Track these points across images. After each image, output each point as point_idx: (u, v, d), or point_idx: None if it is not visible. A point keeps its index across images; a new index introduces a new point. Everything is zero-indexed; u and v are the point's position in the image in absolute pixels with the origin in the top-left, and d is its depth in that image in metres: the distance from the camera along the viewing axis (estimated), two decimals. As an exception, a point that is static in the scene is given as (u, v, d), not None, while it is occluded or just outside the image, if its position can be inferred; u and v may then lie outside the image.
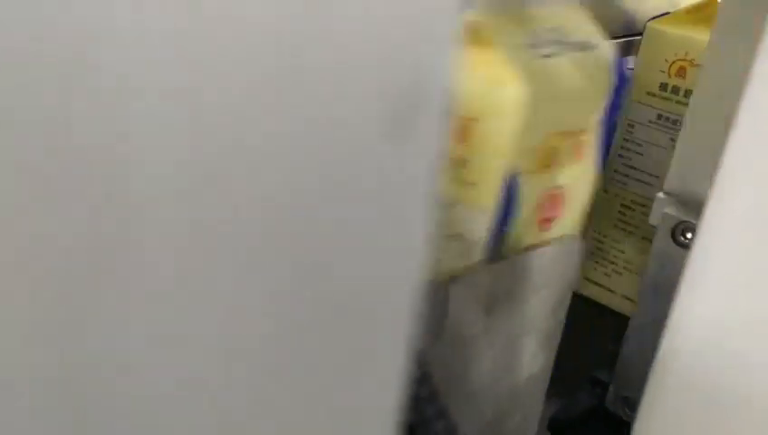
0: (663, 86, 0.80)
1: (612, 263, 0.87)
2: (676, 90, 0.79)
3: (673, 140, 0.79)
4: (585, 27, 0.56)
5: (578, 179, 0.55)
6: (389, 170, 0.09)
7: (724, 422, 0.25)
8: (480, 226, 0.51)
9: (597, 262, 0.86)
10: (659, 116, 0.81)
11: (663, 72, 0.79)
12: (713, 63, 0.56)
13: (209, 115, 0.09)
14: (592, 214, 0.81)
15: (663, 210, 0.69)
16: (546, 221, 0.54)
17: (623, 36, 1.17)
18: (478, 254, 0.51)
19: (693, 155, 0.65)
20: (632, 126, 0.88)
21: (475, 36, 0.51)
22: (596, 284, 0.88)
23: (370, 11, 0.08)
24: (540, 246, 0.53)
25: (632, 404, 0.60)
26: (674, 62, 0.78)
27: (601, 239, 0.86)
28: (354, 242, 0.11)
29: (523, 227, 0.52)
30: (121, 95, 0.09)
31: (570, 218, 0.56)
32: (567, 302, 0.57)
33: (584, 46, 0.54)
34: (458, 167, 0.51)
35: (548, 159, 0.51)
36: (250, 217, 0.09)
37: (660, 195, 0.72)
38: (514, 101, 0.47)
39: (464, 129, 0.50)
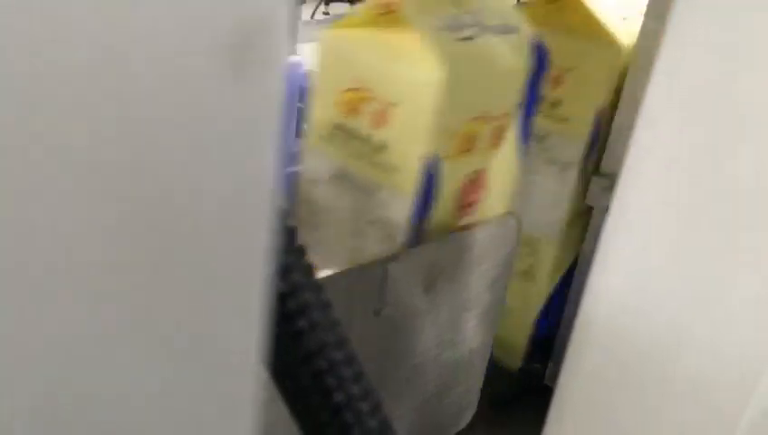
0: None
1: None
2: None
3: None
4: (505, 10, 0.56)
5: (499, 163, 0.56)
6: (230, 103, 0.10)
7: (633, 378, 0.27)
8: (402, 210, 0.51)
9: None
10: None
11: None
12: (642, 55, 0.58)
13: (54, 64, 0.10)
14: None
15: (599, 189, 0.72)
16: (468, 205, 0.55)
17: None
18: (401, 238, 0.51)
19: (626, 139, 0.68)
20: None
21: (396, 18, 0.51)
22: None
23: None
24: (474, 225, 0.55)
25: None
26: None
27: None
28: (198, 176, 0.11)
29: (445, 211, 0.53)
30: None
31: (492, 202, 0.56)
32: (505, 278, 0.59)
33: (504, 30, 0.54)
34: (379, 151, 0.51)
35: (468, 144, 0.52)
36: (99, 154, 0.10)
37: (596, 177, 0.75)
38: (435, 86, 0.48)
39: (384, 113, 0.51)
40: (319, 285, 0.18)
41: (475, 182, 0.54)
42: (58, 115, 0.10)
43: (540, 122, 0.61)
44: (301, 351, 0.18)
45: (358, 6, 0.55)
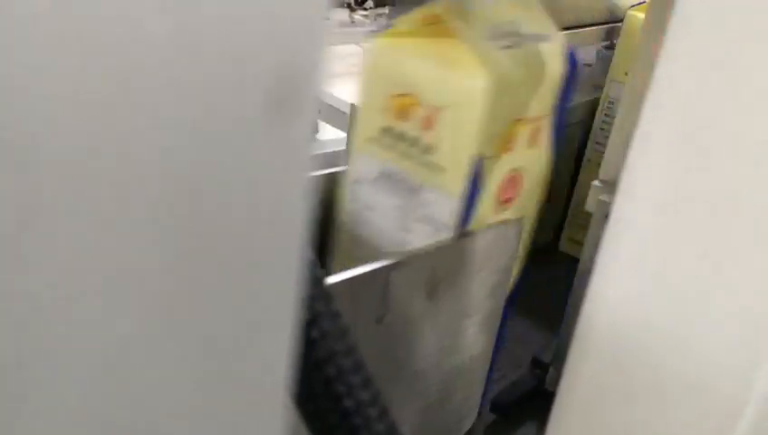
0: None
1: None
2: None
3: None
4: (538, 20, 0.58)
5: (534, 162, 0.59)
6: (271, 149, 0.11)
7: (634, 384, 0.28)
8: (449, 207, 0.54)
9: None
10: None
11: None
12: (641, 62, 0.59)
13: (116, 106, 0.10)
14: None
15: (598, 197, 0.73)
16: (506, 201, 0.58)
17: (604, 23, 1.22)
18: (447, 233, 0.54)
19: (625, 146, 0.68)
20: (612, 103, 1.01)
21: (442, 29, 0.54)
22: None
23: (251, 8, 0.10)
24: (474, 231, 0.55)
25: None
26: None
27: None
28: (239, 213, 0.12)
29: (487, 208, 0.55)
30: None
31: (526, 198, 0.60)
32: (506, 285, 0.59)
33: (538, 38, 0.57)
34: (427, 153, 0.54)
35: (509, 144, 0.55)
36: (149, 186, 0.10)
37: (596, 183, 0.75)
38: (481, 91, 0.50)
39: (432, 117, 0.53)
40: (330, 296, 0.19)
41: (512, 180, 0.57)
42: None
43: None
44: (312, 358, 0.18)
45: (401, 17, 0.58)
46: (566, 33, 1.01)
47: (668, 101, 0.27)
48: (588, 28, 1.19)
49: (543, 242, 1.03)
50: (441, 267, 0.52)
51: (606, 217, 0.72)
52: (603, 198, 0.67)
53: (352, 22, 0.96)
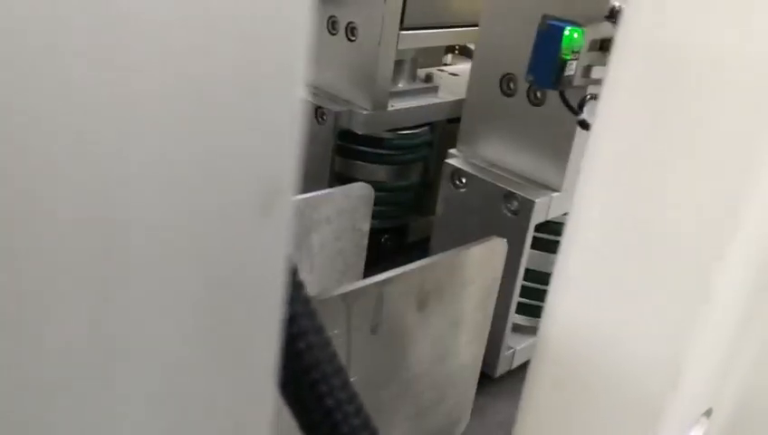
0: None
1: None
2: None
3: None
4: None
5: None
6: (260, 237, 0.14)
7: (590, 395, 0.31)
8: None
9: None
10: None
11: None
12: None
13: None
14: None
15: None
16: None
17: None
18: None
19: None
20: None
21: None
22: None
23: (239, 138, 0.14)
24: (463, 248, 0.59)
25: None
26: None
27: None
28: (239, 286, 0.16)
29: None
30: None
31: None
32: (493, 298, 0.64)
33: None
34: None
35: None
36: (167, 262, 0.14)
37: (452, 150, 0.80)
38: None
39: None
40: (314, 312, 0.23)
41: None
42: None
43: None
44: (300, 366, 0.23)
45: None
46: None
47: (609, 132, 0.31)
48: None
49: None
50: (430, 282, 0.57)
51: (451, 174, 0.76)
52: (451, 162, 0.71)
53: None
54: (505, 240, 0.61)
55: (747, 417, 0.58)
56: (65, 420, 0.15)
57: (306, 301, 0.24)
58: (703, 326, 0.30)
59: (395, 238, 0.98)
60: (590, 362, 0.32)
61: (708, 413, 0.55)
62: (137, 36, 0.13)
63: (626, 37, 0.28)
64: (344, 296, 0.51)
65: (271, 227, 0.15)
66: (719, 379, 0.53)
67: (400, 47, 0.89)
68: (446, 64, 1.13)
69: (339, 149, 0.92)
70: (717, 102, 0.25)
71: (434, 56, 1.09)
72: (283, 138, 0.14)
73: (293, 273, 0.23)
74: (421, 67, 1.01)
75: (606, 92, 0.30)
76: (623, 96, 0.29)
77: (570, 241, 0.32)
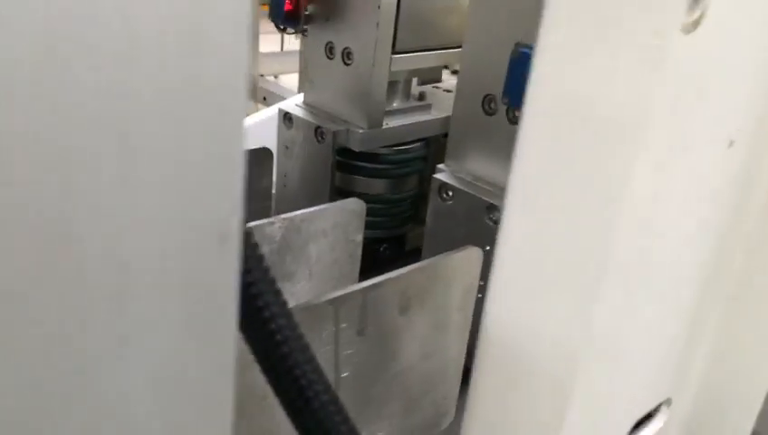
0: None
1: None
2: None
3: None
4: None
5: None
6: (220, 258, 0.21)
7: (528, 391, 0.38)
8: None
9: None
10: None
11: None
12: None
13: None
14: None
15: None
16: None
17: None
18: None
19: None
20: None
21: None
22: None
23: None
24: (441, 256, 0.66)
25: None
26: None
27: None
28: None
29: None
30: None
31: None
32: (472, 300, 0.70)
33: None
34: None
35: None
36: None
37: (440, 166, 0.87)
38: None
39: None
40: (295, 324, 0.30)
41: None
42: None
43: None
44: (282, 362, 0.30)
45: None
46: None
47: (524, 161, 0.37)
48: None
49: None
50: (412, 288, 0.63)
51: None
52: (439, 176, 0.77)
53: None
54: (480, 249, 0.68)
55: (707, 406, 0.64)
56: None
57: (288, 315, 0.31)
58: (602, 320, 0.36)
59: (393, 247, 1.05)
60: (515, 349, 0.38)
61: (668, 403, 0.61)
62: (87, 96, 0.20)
63: (533, 85, 0.34)
64: (332, 301, 0.58)
65: (228, 251, 0.22)
66: (674, 371, 0.59)
67: (393, 69, 0.96)
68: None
69: (338, 165, 0.99)
70: (591, 139, 0.32)
71: (434, 72, 1.16)
72: (233, 190, 0.21)
73: (277, 293, 0.30)
74: (424, 81, 1.08)
75: (522, 127, 0.37)
76: (535, 132, 0.35)
77: (500, 247, 0.39)
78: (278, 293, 0.30)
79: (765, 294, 0.55)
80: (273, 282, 0.30)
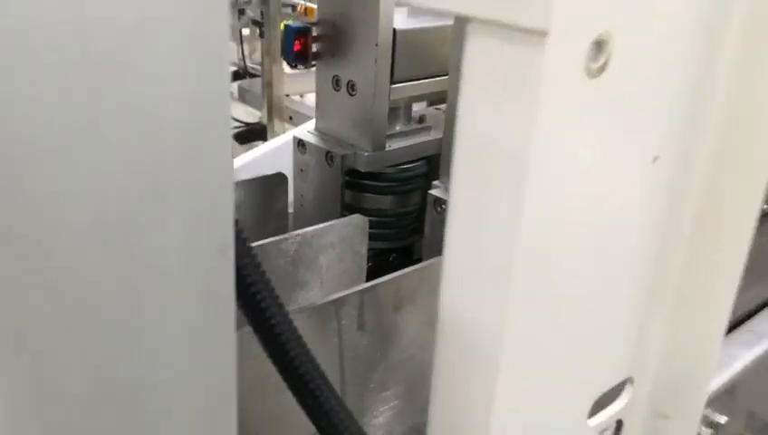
0: None
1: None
2: None
3: None
4: None
5: None
6: (221, 265, 0.32)
7: (463, 359, 0.48)
8: None
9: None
10: None
11: None
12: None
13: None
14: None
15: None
16: None
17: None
18: None
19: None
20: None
21: None
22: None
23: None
24: (429, 262, 0.77)
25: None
26: None
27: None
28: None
29: None
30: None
31: None
32: (461, 298, 0.81)
33: None
34: None
35: None
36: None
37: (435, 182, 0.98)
38: None
39: None
40: (298, 335, 0.41)
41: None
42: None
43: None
44: (289, 361, 0.41)
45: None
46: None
47: (459, 175, 0.48)
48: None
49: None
50: (404, 289, 0.75)
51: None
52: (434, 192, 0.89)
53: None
54: (463, 254, 0.79)
55: (668, 384, 0.72)
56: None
57: (290, 323, 0.42)
58: (520, 306, 0.46)
59: (401, 256, 1.16)
60: (462, 335, 0.49)
61: (631, 381, 0.69)
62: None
63: (458, 127, 0.46)
64: (334, 302, 0.69)
65: (226, 259, 0.33)
66: (632, 351, 0.68)
67: (393, 97, 1.08)
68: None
69: (347, 185, 1.11)
70: (499, 172, 0.43)
71: (441, 94, 1.26)
72: (227, 211, 0.33)
73: (276, 299, 0.41)
74: (431, 103, 1.20)
75: (454, 159, 0.48)
76: (461, 163, 0.46)
77: (447, 246, 0.50)
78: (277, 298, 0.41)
79: (707, 288, 0.63)
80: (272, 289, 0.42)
